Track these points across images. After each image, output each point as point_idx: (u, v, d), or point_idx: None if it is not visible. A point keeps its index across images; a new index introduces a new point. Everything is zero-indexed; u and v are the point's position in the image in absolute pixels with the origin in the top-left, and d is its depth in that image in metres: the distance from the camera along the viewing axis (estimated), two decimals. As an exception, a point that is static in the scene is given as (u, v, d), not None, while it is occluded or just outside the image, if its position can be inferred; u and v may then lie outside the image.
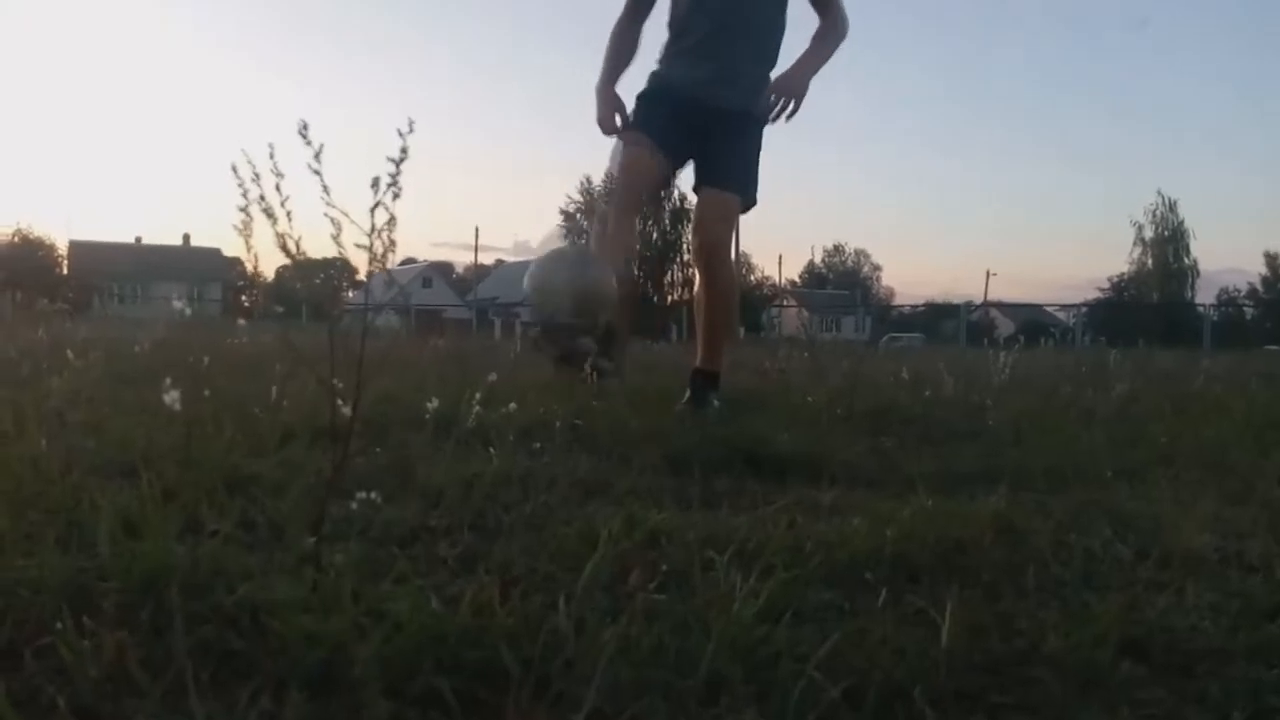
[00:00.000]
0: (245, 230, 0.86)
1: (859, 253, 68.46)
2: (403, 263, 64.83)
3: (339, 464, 0.93)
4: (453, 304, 44.31)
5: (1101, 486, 1.81)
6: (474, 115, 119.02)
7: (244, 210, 0.85)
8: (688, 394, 3.18)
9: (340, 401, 0.89)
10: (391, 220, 0.87)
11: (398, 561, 1.09)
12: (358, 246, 0.87)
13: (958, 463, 2.06)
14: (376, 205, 0.86)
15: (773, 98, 3.02)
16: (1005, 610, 1.03)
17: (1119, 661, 0.91)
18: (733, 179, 3.14)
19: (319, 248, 1.12)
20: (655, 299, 38.74)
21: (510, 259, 68.14)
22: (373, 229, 0.87)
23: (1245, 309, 44.50)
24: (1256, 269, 45.29)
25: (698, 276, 3.29)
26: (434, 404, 1.19)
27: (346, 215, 0.85)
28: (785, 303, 44.38)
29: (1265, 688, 0.89)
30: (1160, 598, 1.10)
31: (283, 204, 0.89)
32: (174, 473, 1.32)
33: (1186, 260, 47.49)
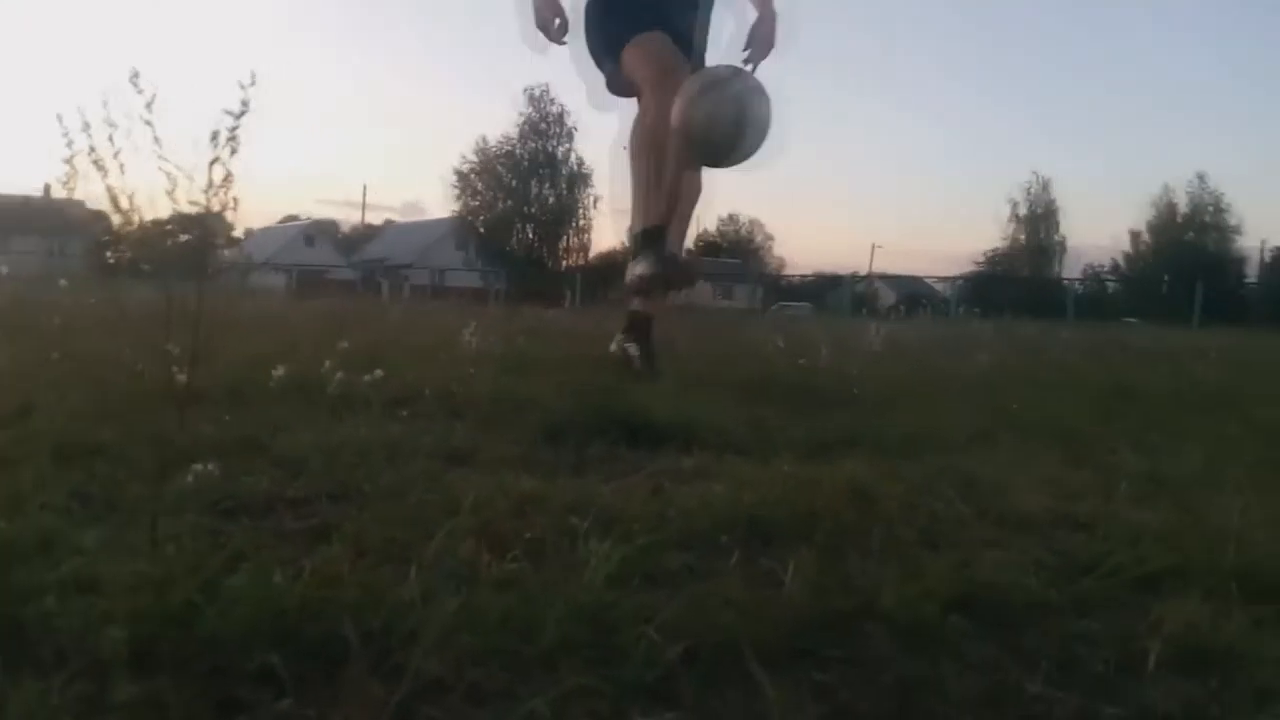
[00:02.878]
0: (69, 183, 0.80)
1: (752, 222, 69.47)
2: (283, 220, 62.25)
3: (175, 432, 0.89)
4: (337, 264, 42.89)
5: (954, 451, 1.90)
6: (366, 68, 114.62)
7: (69, 162, 0.80)
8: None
9: (176, 368, 0.85)
10: (229, 177, 0.83)
11: (245, 534, 1.06)
12: (191, 204, 0.83)
13: (825, 430, 2.13)
14: (215, 161, 0.82)
15: (751, 50, 3.06)
16: (848, 569, 1.08)
17: (948, 615, 0.97)
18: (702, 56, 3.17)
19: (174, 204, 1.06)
20: (550, 264, 38.43)
21: (400, 219, 66.18)
22: (210, 184, 0.82)
23: (1107, 283, 47.27)
24: (1121, 246, 47.98)
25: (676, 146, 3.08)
26: (280, 371, 1.15)
27: (180, 170, 0.81)
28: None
29: (1075, 638, 0.96)
30: (991, 555, 1.17)
31: (115, 156, 0.84)
32: (2, 440, 1.24)
33: (1056, 237, 50.07)
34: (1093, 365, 4.56)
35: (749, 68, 3.07)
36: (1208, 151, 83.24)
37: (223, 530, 1.12)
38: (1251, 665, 0.88)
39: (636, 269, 2.98)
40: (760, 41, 3.09)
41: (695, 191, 3.19)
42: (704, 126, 2.78)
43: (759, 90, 2.85)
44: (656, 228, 3.00)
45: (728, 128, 2.77)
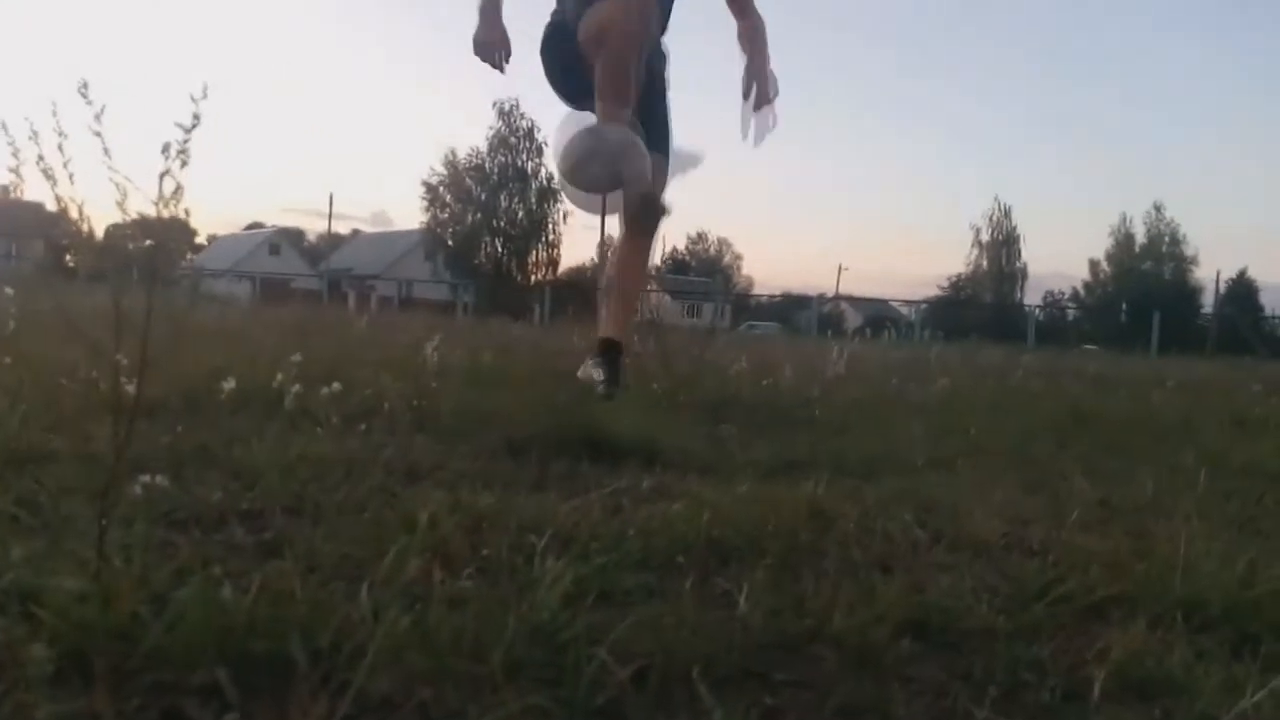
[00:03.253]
0: (15, 191, 0.79)
1: (721, 241, 69.84)
2: (248, 227, 61.59)
3: (124, 442, 0.88)
4: (303, 273, 42.48)
5: (912, 475, 1.93)
6: (336, 76, 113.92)
7: (15, 171, 0.79)
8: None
9: (124, 377, 0.83)
10: (179, 189, 0.82)
11: (196, 547, 1.04)
12: (139, 215, 0.82)
13: (786, 450, 2.14)
14: (165, 174, 0.81)
15: (758, 90, 3.08)
16: (802, 591, 1.08)
17: (899, 639, 0.98)
18: (666, 143, 3.17)
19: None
20: (519, 278, 38.34)
21: (367, 229, 65.69)
22: (160, 198, 0.82)
23: (1068, 310, 48.17)
24: (1080, 274, 49.13)
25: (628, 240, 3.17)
26: (232, 383, 1.14)
27: (130, 181, 0.80)
28: (650, 288, 44.60)
29: (1022, 665, 0.97)
30: (944, 579, 1.19)
31: (65, 165, 0.83)
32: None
33: (1018, 263, 50.99)
34: (1051, 391, 4.64)
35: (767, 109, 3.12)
36: (1167, 181, 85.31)
37: (172, 542, 1.10)
38: (1191, 696, 0.89)
39: (590, 371, 2.99)
40: (768, 94, 3.12)
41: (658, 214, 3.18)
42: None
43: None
44: (611, 341, 3.03)
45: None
